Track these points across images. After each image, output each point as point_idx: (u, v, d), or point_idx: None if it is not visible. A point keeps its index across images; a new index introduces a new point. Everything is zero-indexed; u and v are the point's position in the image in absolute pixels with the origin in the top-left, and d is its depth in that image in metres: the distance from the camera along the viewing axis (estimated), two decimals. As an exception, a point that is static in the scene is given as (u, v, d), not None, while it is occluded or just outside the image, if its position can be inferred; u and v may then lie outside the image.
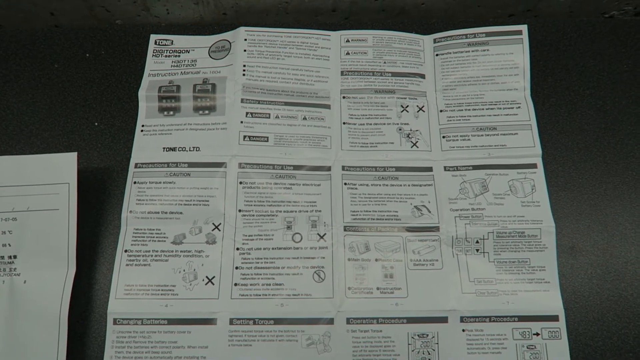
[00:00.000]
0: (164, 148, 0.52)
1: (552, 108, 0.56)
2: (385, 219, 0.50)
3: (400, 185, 0.52)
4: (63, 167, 0.48)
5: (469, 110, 0.55)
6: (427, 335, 0.46)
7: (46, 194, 0.48)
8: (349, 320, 0.46)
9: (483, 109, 0.55)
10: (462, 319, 0.47)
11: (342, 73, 0.56)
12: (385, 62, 0.57)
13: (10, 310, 0.46)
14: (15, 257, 0.47)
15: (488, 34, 0.57)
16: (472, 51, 0.56)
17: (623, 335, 0.47)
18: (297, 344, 0.46)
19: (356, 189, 0.51)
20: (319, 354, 0.45)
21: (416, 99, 0.55)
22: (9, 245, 0.47)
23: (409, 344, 0.46)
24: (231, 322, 0.46)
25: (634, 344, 0.47)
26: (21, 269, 0.47)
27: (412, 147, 0.53)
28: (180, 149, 0.52)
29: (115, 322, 0.46)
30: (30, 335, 0.45)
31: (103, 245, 0.50)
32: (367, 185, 0.52)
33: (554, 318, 0.47)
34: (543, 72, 0.57)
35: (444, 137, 0.54)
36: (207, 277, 0.48)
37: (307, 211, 0.50)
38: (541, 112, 0.55)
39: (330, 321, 0.46)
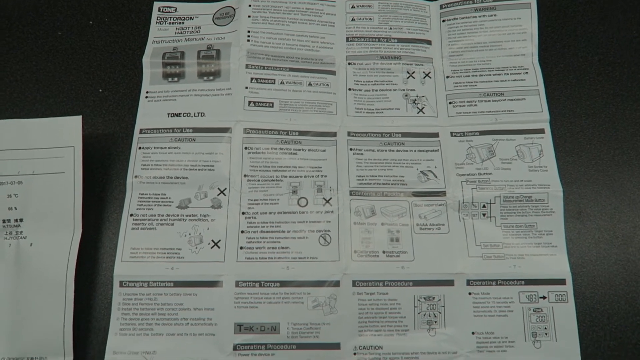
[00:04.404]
0: (168, 114, 0.52)
1: (561, 74, 0.55)
2: (392, 184, 0.50)
3: (407, 150, 0.51)
4: (68, 130, 0.48)
5: (476, 76, 0.54)
6: (434, 298, 0.46)
7: (51, 157, 0.48)
8: (355, 283, 0.46)
9: (490, 75, 0.54)
10: (468, 282, 0.47)
11: (347, 39, 0.56)
12: (391, 28, 0.56)
13: (17, 272, 0.46)
14: (21, 220, 0.47)
15: (495, -1, 0.56)
16: (479, 17, 0.56)
17: (631, 299, 0.47)
18: (303, 306, 0.46)
19: (362, 154, 0.51)
20: (325, 316, 0.45)
21: (422, 65, 0.55)
22: (15, 208, 0.47)
23: (415, 307, 0.46)
24: (237, 284, 0.46)
25: (641, 308, 0.47)
26: (27, 232, 0.47)
27: (418, 113, 0.53)
28: (185, 114, 0.52)
29: (121, 284, 0.46)
30: (37, 297, 0.45)
31: (108, 209, 0.50)
32: (373, 150, 0.51)
33: (561, 282, 0.47)
34: (551, 37, 0.56)
35: (450, 103, 0.53)
36: (212, 240, 0.48)
37: (312, 176, 0.50)
38: (549, 78, 0.54)
39: (336, 283, 0.46)
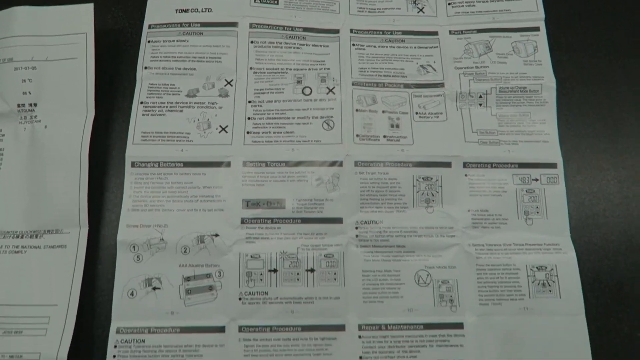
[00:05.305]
0: (176, 10, 0.53)
1: (556, -20, 0.57)
2: (392, 76, 0.52)
3: (407, 47, 0.53)
4: (80, 17, 0.49)
5: (475, -21, 0.56)
6: (431, 178, 0.48)
7: (64, 44, 0.49)
8: (357, 163, 0.48)
9: (488, -23, 0.56)
10: (464, 165, 0.49)
11: (350, -57, 0.57)
12: None
13: (33, 154, 0.48)
14: (35, 104, 0.49)
15: None
16: None
17: (619, 181, 0.50)
18: (307, 184, 0.48)
19: (364, 49, 0.53)
20: (328, 193, 0.48)
21: (423, -32, 0.57)
22: (29, 93, 0.49)
23: (414, 186, 0.48)
24: (244, 164, 0.48)
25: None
26: (42, 116, 0.48)
27: (418, 12, 0.55)
28: (192, 10, 0.53)
29: (133, 164, 0.48)
30: (52, 174, 0.47)
31: (119, 98, 0.51)
32: (374, 46, 0.53)
33: (553, 165, 0.49)
34: (548, -56, 0.58)
35: (449, 3, 0.55)
36: (220, 126, 0.50)
37: (316, 69, 0.52)
38: (545, -18, 0.56)
39: (340, 164, 0.48)
